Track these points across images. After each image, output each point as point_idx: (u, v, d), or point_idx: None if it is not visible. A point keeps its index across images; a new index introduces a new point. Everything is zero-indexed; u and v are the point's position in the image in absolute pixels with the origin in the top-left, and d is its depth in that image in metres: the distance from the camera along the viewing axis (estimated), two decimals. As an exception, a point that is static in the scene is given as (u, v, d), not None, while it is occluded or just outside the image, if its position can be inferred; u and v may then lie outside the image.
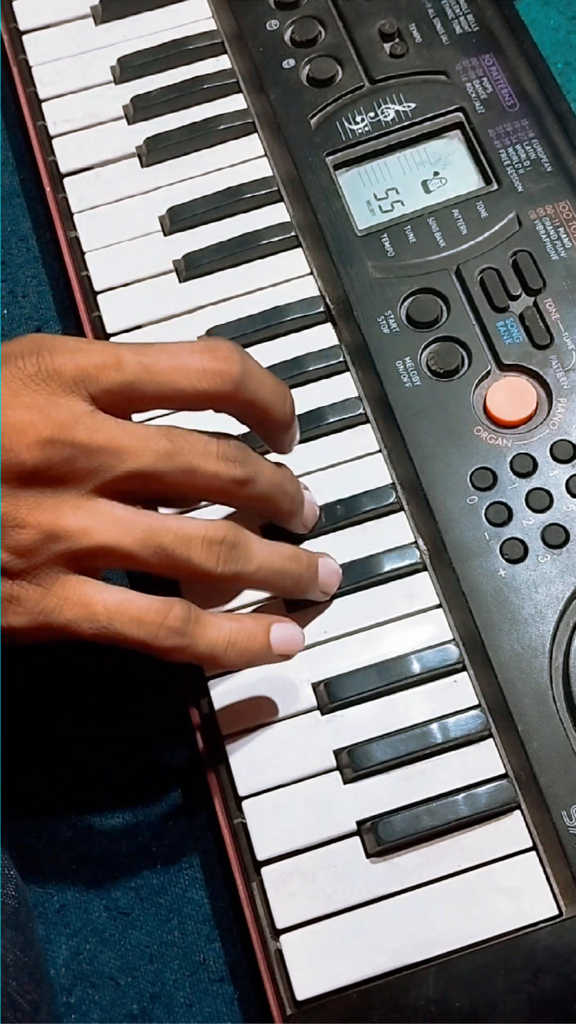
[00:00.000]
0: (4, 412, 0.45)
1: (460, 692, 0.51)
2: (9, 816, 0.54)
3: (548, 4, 0.73)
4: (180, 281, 0.61)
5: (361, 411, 0.57)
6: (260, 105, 0.64)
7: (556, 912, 0.47)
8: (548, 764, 0.49)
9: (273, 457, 0.52)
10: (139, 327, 0.60)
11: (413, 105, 0.62)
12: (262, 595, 0.54)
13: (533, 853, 0.48)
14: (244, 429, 0.51)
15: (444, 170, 0.61)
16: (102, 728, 0.56)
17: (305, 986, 0.47)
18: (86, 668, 0.56)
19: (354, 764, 0.50)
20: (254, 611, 0.53)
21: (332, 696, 0.51)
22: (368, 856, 0.49)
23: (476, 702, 0.51)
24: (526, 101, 0.62)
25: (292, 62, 0.64)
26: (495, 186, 0.60)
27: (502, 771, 0.50)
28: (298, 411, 0.56)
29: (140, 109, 0.65)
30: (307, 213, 0.61)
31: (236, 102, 0.65)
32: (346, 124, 0.62)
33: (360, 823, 0.49)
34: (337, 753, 0.50)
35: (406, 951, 0.47)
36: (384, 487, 0.55)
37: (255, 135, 0.64)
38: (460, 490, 0.54)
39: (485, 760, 0.50)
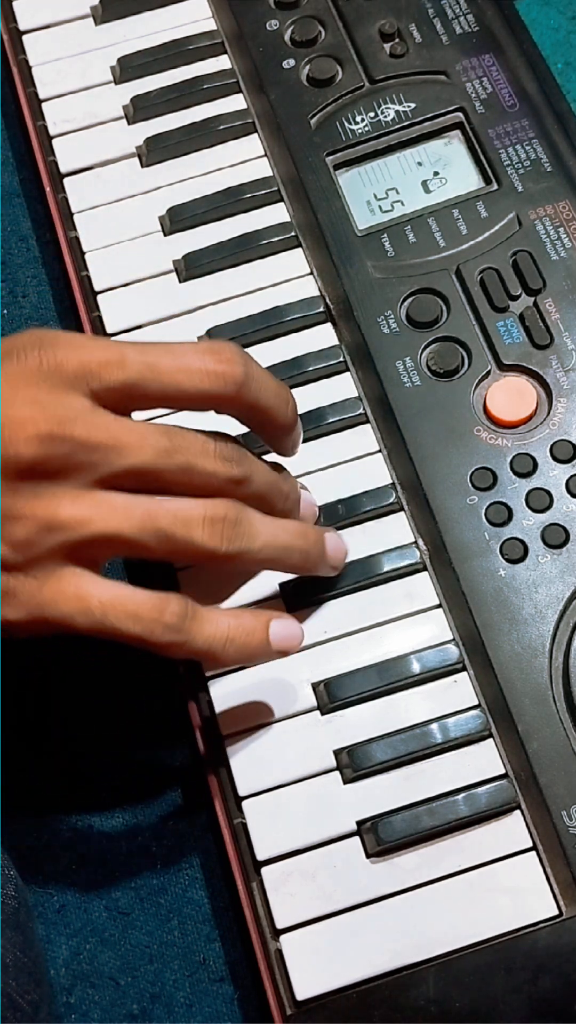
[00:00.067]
0: (4, 406, 0.45)
1: (460, 692, 0.51)
2: (9, 816, 0.54)
3: (548, 4, 0.73)
4: (180, 281, 0.61)
5: (361, 411, 0.57)
6: (260, 105, 0.64)
7: (556, 912, 0.47)
8: (548, 764, 0.49)
9: (273, 458, 0.52)
10: (139, 327, 0.60)
11: (413, 105, 0.62)
12: (262, 593, 0.53)
13: (533, 853, 0.48)
14: (244, 430, 0.51)
15: (444, 170, 0.61)
16: (102, 728, 0.56)
17: (305, 986, 0.47)
18: (86, 668, 0.56)
19: (354, 764, 0.50)
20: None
21: (332, 696, 0.51)
22: (368, 856, 0.49)
23: (476, 702, 0.51)
24: (526, 101, 0.62)
25: (292, 62, 0.64)
26: (495, 186, 0.60)
27: (502, 771, 0.50)
28: (298, 411, 0.56)
29: (140, 109, 0.65)
30: (307, 213, 0.61)
31: (236, 102, 0.65)
32: (346, 124, 0.62)
33: (360, 823, 0.49)
34: (337, 753, 0.50)
35: (406, 951, 0.47)
36: (384, 487, 0.55)
37: (255, 135, 0.64)
38: (460, 490, 0.54)
39: (485, 760, 0.50)
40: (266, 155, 0.64)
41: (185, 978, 0.52)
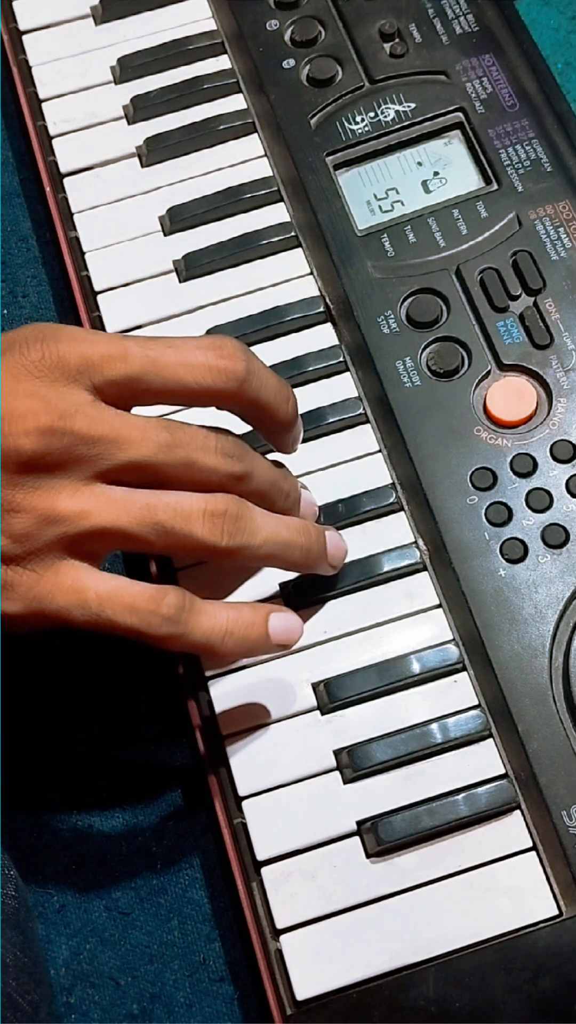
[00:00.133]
0: (4, 399, 0.45)
1: (460, 692, 0.51)
2: (9, 816, 0.54)
3: (548, 4, 0.73)
4: (180, 281, 0.61)
5: (361, 411, 0.57)
6: (260, 105, 0.64)
7: (556, 912, 0.47)
8: (548, 764, 0.49)
9: (275, 456, 0.52)
10: (139, 327, 0.60)
11: (413, 105, 0.62)
12: (262, 592, 0.53)
13: (533, 853, 0.48)
14: (246, 427, 0.51)
15: (444, 170, 0.61)
16: (102, 728, 0.56)
17: (305, 986, 0.47)
18: (86, 668, 0.56)
19: (354, 764, 0.50)
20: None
21: (332, 696, 0.51)
22: (368, 856, 0.49)
23: (476, 702, 0.51)
24: (526, 101, 0.62)
25: (292, 62, 0.64)
26: (495, 186, 0.60)
27: (502, 771, 0.50)
28: (298, 411, 0.56)
29: (140, 109, 0.65)
30: (307, 213, 0.61)
31: (236, 102, 0.65)
32: (346, 124, 0.62)
33: (360, 823, 0.49)
34: (337, 753, 0.50)
35: (406, 951, 0.47)
36: (384, 487, 0.55)
37: (255, 135, 0.64)
38: (460, 490, 0.54)
39: (485, 760, 0.50)
40: (266, 155, 0.64)
41: (185, 978, 0.52)
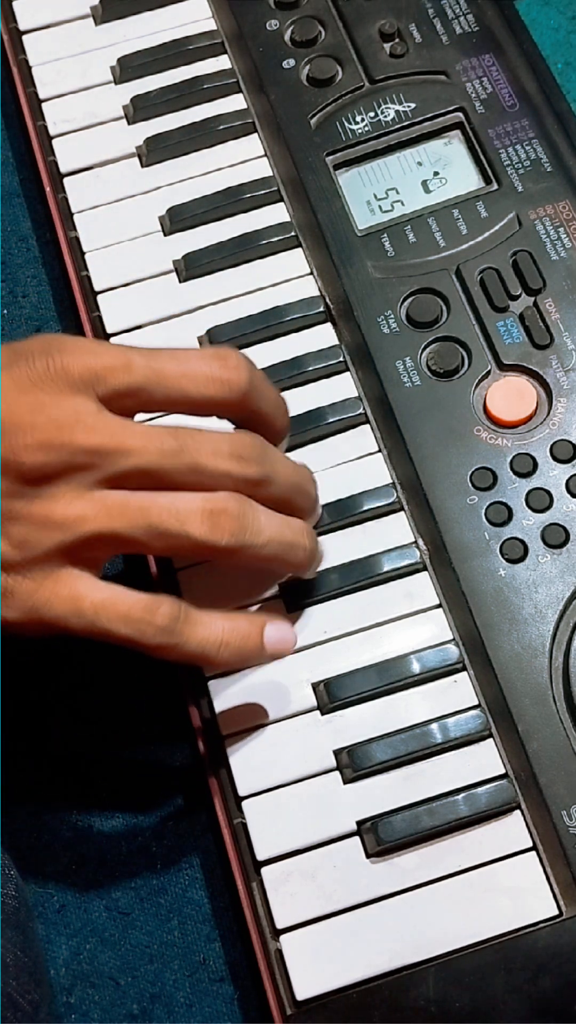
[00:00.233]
0: (7, 411, 0.45)
1: (460, 692, 0.51)
2: (9, 816, 0.54)
3: (548, 4, 0.73)
4: (180, 281, 0.61)
5: (361, 411, 0.57)
6: (260, 105, 0.64)
7: (556, 912, 0.47)
8: (548, 764, 0.49)
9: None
10: (139, 327, 0.60)
11: (413, 105, 0.62)
12: (262, 593, 0.54)
13: (533, 853, 0.48)
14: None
15: (444, 170, 0.61)
16: (102, 728, 0.56)
17: (305, 986, 0.47)
18: (86, 668, 0.56)
19: (354, 764, 0.50)
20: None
21: (332, 696, 0.51)
22: (368, 856, 0.49)
23: (476, 702, 0.51)
24: (526, 101, 0.62)
25: (292, 62, 0.64)
26: (495, 186, 0.60)
27: (502, 771, 0.50)
28: (298, 411, 0.56)
29: (140, 109, 0.65)
30: (307, 213, 0.61)
31: (236, 102, 0.65)
32: (346, 124, 0.62)
33: (360, 823, 0.49)
34: (337, 753, 0.50)
35: (406, 951, 0.47)
36: (384, 487, 0.55)
37: (255, 135, 0.64)
38: (460, 490, 0.54)
39: (485, 760, 0.50)
40: (266, 155, 0.64)
41: (185, 978, 0.52)
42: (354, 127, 0.62)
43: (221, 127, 0.64)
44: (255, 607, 0.53)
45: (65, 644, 0.55)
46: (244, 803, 0.50)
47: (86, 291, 0.61)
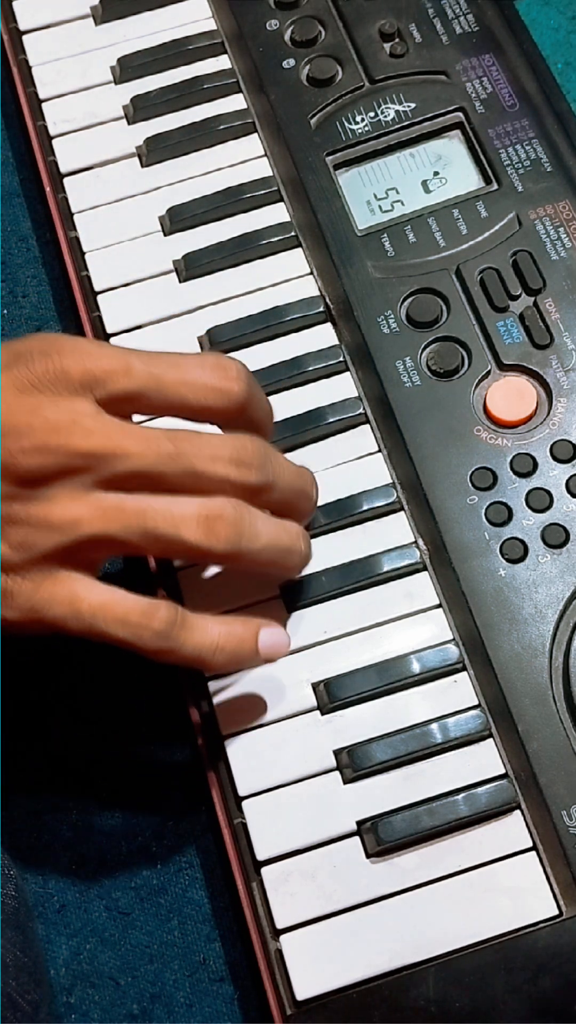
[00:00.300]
0: (5, 413, 0.45)
1: (460, 692, 0.51)
2: (9, 816, 0.54)
3: (548, 4, 0.73)
4: (180, 281, 0.61)
5: (361, 411, 0.57)
6: (260, 105, 0.64)
7: (556, 912, 0.47)
8: (548, 764, 0.49)
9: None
10: (139, 327, 0.60)
11: (413, 105, 0.62)
12: (262, 593, 0.53)
13: (533, 853, 0.48)
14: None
15: (444, 170, 0.61)
16: (102, 728, 0.56)
17: (305, 986, 0.47)
18: (86, 668, 0.56)
19: (354, 764, 0.50)
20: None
21: (332, 696, 0.51)
22: (368, 856, 0.49)
23: (476, 702, 0.51)
24: (526, 101, 0.62)
25: (292, 62, 0.64)
26: (495, 186, 0.60)
27: (502, 771, 0.50)
28: (298, 411, 0.56)
29: (140, 109, 0.65)
30: (307, 213, 0.61)
31: (236, 102, 0.65)
32: (346, 124, 0.62)
33: (360, 823, 0.49)
34: (337, 753, 0.50)
35: (406, 951, 0.47)
36: (384, 487, 0.55)
37: (255, 135, 0.64)
38: (460, 490, 0.54)
39: (485, 760, 0.50)
40: (266, 155, 0.64)
41: (185, 978, 0.52)
42: (354, 127, 0.62)
43: (221, 127, 0.64)
44: (254, 607, 0.53)
45: (65, 644, 0.55)
46: (244, 803, 0.50)
47: (86, 291, 0.61)
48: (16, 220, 0.68)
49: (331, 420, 0.56)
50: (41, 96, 0.66)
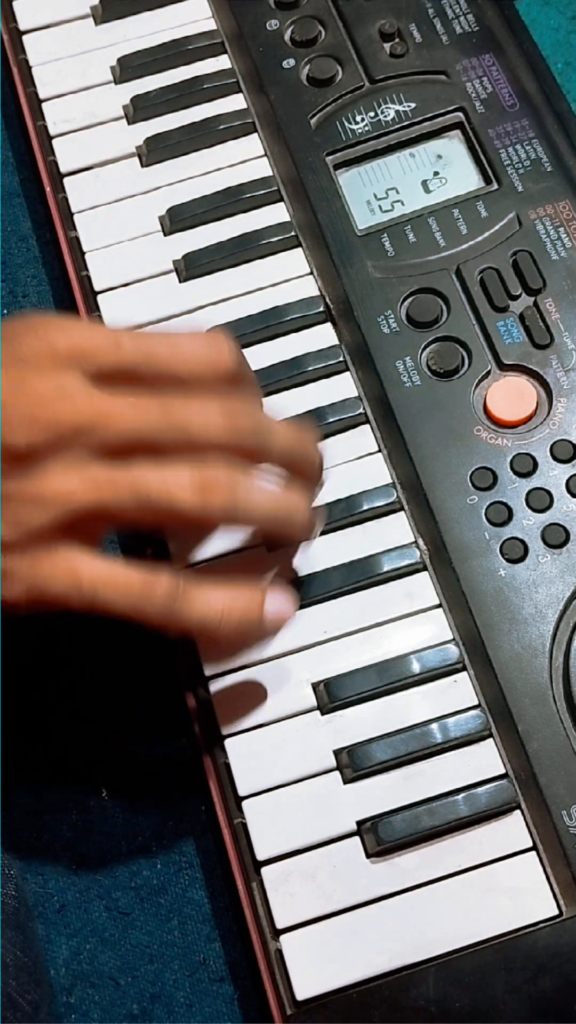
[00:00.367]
0: None
1: (460, 692, 0.51)
2: (9, 816, 0.54)
3: (548, 4, 0.73)
4: (180, 281, 0.61)
5: (361, 411, 0.57)
6: (260, 105, 0.64)
7: (556, 912, 0.47)
8: (548, 764, 0.49)
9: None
10: (139, 327, 0.60)
11: (413, 105, 0.62)
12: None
13: (533, 853, 0.48)
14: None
15: (444, 170, 0.61)
16: (102, 728, 0.56)
17: (305, 986, 0.47)
18: (86, 668, 0.56)
19: (354, 764, 0.50)
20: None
21: (332, 696, 0.51)
22: (368, 856, 0.49)
23: (476, 702, 0.51)
24: (526, 101, 0.62)
25: (292, 62, 0.64)
26: (495, 186, 0.60)
27: (502, 771, 0.50)
28: (298, 411, 0.56)
29: (140, 109, 0.65)
30: (307, 213, 0.61)
31: (236, 102, 0.65)
32: (346, 124, 0.62)
33: (360, 823, 0.49)
34: (337, 753, 0.50)
35: (406, 951, 0.47)
36: (384, 487, 0.55)
37: (255, 135, 0.64)
38: (460, 490, 0.54)
39: (485, 760, 0.50)
40: (266, 155, 0.64)
41: (185, 978, 0.52)
42: (354, 127, 0.62)
43: (221, 127, 0.64)
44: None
45: (65, 644, 0.55)
46: (244, 803, 0.50)
47: (86, 291, 0.61)
48: (16, 220, 0.68)
49: (331, 420, 0.56)
50: (41, 96, 0.66)
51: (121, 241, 0.62)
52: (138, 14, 0.68)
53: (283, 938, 0.48)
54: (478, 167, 0.61)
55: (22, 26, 0.68)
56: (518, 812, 0.49)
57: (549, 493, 0.53)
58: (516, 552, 0.52)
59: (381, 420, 0.56)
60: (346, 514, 0.54)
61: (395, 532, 0.54)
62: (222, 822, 0.51)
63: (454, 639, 0.52)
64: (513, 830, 0.49)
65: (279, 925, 0.48)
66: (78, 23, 0.68)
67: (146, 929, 0.53)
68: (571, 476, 0.53)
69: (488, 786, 0.49)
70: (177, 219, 0.62)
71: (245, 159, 0.64)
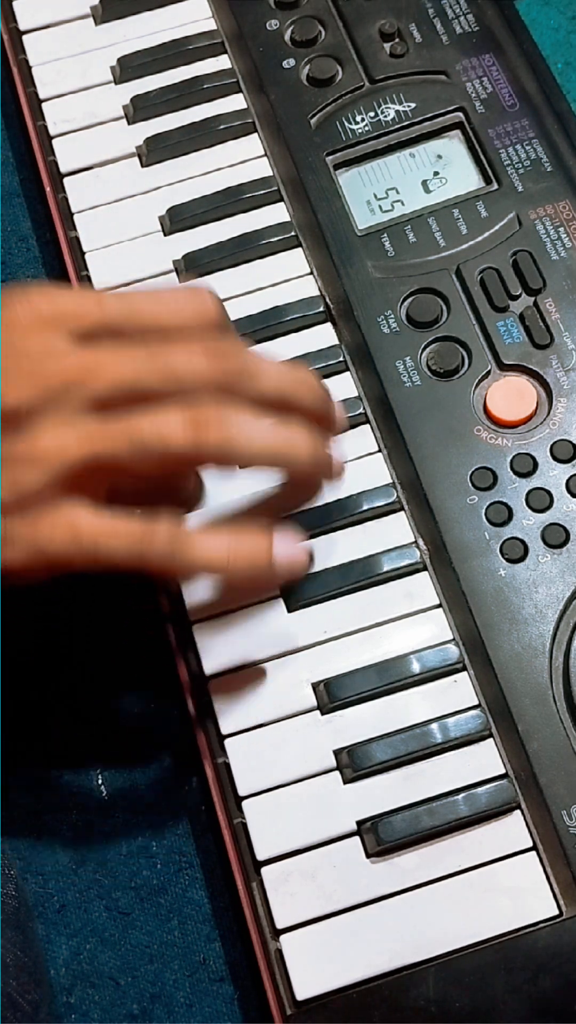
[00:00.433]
0: None
1: (460, 692, 0.51)
2: (9, 816, 0.54)
3: (548, 4, 0.73)
4: (180, 281, 0.61)
5: (361, 411, 0.57)
6: (260, 105, 0.64)
7: (556, 912, 0.47)
8: (548, 764, 0.49)
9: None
10: (139, 327, 0.60)
11: (413, 105, 0.62)
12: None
13: (533, 853, 0.48)
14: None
15: (444, 170, 0.61)
16: (102, 728, 0.56)
17: (305, 986, 0.47)
18: (86, 668, 0.56)
19: (354, 764, 0.50)
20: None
21: (332, 696, 0.51)
22: (368, 856, 0.49)
23: (476, 702, 0.51)
24: (526, 101, 0.62)
25: (292, 62, 0.64)
26: (495, 186, 0.60)
27: (502, 771, 0.50)
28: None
29: (140, 109, 0.65)
30: (307, 213, 0.61)
31: (236, 102, 0.65)
32: (346, 124, 0.62)
33: (360, 823, 0.49)
34: (337, 753, 0.50)
35: (406, 951, 0.47)
36: (384, 487, 0.55)
37: (255, 135, 0.64)
38: (460, 490, 0.54)
39: (485, 760, 0.50)
40: (266, 155, 0.64)
41: (185, 978, 0.52)
42: (354, 127, 0.62)
43: (221, 127, 0.64)
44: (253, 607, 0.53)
45: (65, 644, 0.55)
46: (244, 803, 0.50)
47: (86, 291, 0.61)
48: (16, 220, 0.68)
49: (331, 420, 0.56)
50: (41, 96, 0.66)
51: (121, 241, 0.62)
52: (138, 14, 0.68)
53: (283, 938, 0.48)
54: (478, 167, 0.61)
55: (22, 26, 0.68)
56: (518, 812, 0.49)
57: (549, 493, 0.53)
58: (516, 552, 0.52)
59: (381, 420, 0.56)
60: (346, 514, 0.54)
61: (395, 532, 0.54)
62: (222, 822, 0.51)
63: (454, 639, 0.52)
64: (513, 830, 0.49)
65: (279, 925, 0.48)
66: (78, 23, 0.68)
67: (146, 929, 0.53)
68: (571, 476, 0.53)
69: (488, 786, 0.49)
70: (177, 219, 0.62)
71: (245, 159, 0.64)
